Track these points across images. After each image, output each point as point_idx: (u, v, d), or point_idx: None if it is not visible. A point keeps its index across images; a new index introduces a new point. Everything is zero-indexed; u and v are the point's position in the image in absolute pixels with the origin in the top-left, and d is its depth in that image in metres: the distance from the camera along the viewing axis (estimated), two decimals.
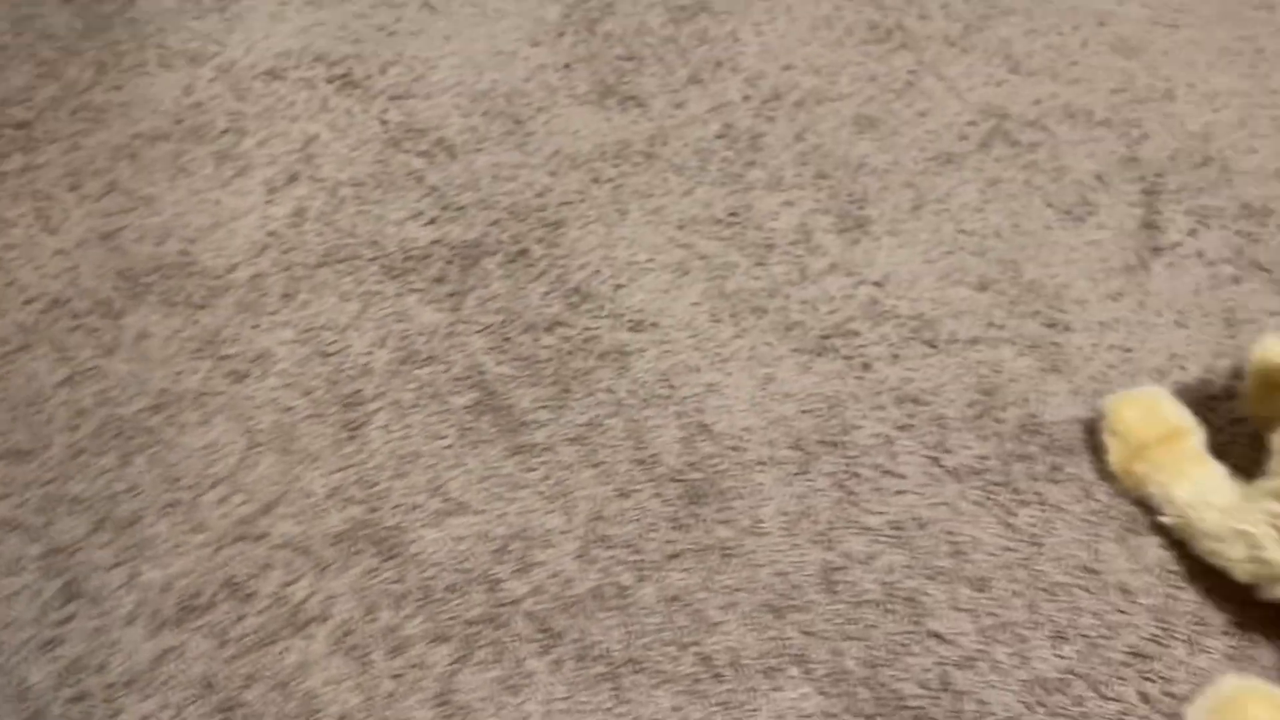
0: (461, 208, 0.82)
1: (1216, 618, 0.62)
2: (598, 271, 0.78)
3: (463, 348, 0.74)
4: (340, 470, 0.69)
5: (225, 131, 0.88)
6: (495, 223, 0.81)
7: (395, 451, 0.69)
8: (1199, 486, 0.61)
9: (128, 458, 0.69)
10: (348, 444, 0.70)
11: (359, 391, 0.72)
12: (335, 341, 0.75)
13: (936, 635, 0.62)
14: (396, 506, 0.67)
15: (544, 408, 0.71)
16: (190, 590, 0.64)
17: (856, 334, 0.75)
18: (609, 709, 0.59)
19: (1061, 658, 0.61)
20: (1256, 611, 0.62)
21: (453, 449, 0.70)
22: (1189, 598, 0.63)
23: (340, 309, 0.76)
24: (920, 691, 0.60)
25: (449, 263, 0.79)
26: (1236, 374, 0.72)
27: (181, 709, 0.60)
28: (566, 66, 0.92)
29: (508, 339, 0.75)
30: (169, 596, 0.64)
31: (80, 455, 0.70)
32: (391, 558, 0.65)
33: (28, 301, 0.77)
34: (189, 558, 0.65)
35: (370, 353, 0.74)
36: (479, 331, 0.75)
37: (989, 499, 0.67)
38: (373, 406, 0.71)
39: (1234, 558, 0.59)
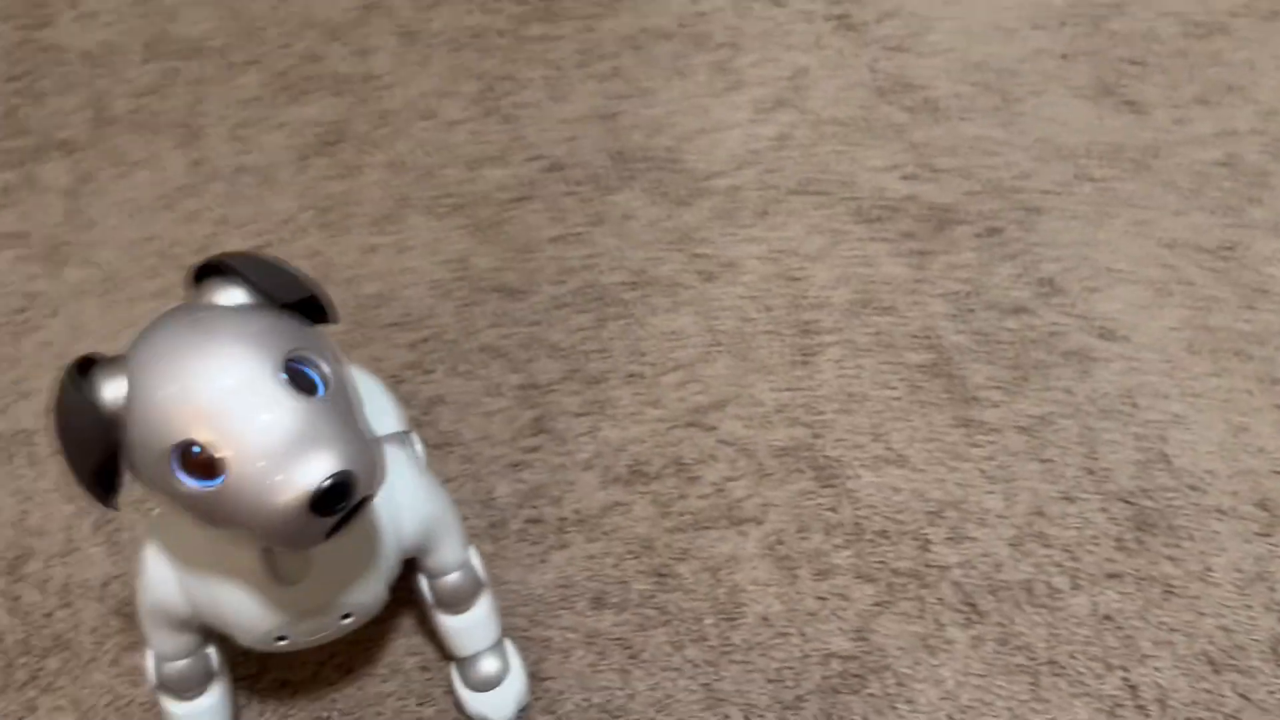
0: (940, 171, 0.82)
1: None
2: (1071, 268, 0.76)
3: (922, 307, 0.74)
4: (789, 390, 0.71)
5: (723, 45, 0.91)
6: (971, 194, 0.80)
7: (844, 388, 0.71)
8: None
9: (602, 322, 0.74)
10: (799, 368, 0.71)
11: (816, 321, 0.74)
12: (800, 268, 0.76)
13: None
14: (839, 440, 0.68)
15: (998, 388, 0.71)
16: (641, 457, 0.68)
17: None
18: (1024, 701, 0.59)
19: None
20: None
21: (900, 402, 0.70)
22: None
23: (808, 239, 0.78)
24: None
25: (921, 221, 0.79)
26: None
27: (621, 560, 0.64)
28: (1064, 56, 0.89)
29: (970, 311, 0.74)
30: (622, 457, 0.68)
31: (562, 308, 0.75)
32: (829, 486, 0.66)
33: (531, 159, 0.83)
34: (644, 428, 0.69)
35: (832, 288, 0.75)
36: (941, 295, 0.75)
37: None
38: (828, 339, 0.73)
39: None
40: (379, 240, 0.79)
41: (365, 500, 0.41)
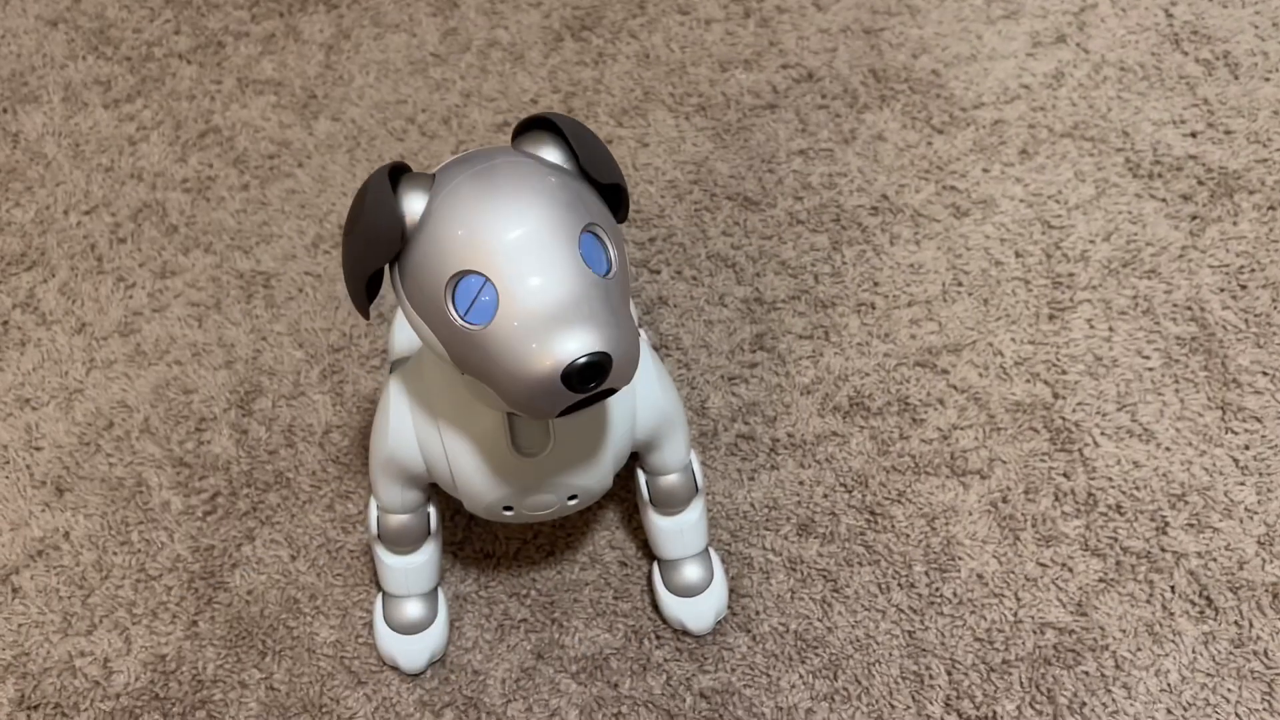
0: (1230, 132, 0.74)
1: None
2: None
3: (1190, 276, 0.68)
4: (1033, 343, 0.66)
5: None
6: (1263, 161, 0.73)
7: (1093, 350, 0.66)
8: None
9: (838, 245, 0.71)
10: (1047, 322, 0.67)
11: (1072, 276, 0.69)
12: (1060, 216, 0.71)
13: None
14: (1081, 404, 0.64)
15: (1264, 374, 0.64)
16: (864, 390, 0.65)
17: None
18: (1254, 710, 0.54)
19: None
20: None
21: (1154, 373, 0.65)
22: None
23: (1073, 186, 0.72)
24: None
25: (1200, 183, 0.72)
26: None
27: (832, 491, 0.62)
28: None
29: (1243, 287, 0.68)
30: (844, 387, 0.65)
31: (798, 225, 0.72)
32: (1064, 450, 0.62)
33: (785, 66, 0.79)
34: (870, 360, 0.66)
35: (1092, 242, 0.70)
36: (1213, 267, 0.69)
37: None
38: (1081, 295, 0.68)
39: None
40: (620, 133, 0.77)
41: (610, 391, 0.40)
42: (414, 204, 0.40)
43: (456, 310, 0.39)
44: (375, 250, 0.40)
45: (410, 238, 0.40)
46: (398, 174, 0.40)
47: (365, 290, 0.41)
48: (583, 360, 0.37)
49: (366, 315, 0.43)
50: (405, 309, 0.41)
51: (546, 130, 0.42)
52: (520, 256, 0.38)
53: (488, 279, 0.38)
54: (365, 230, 0.40)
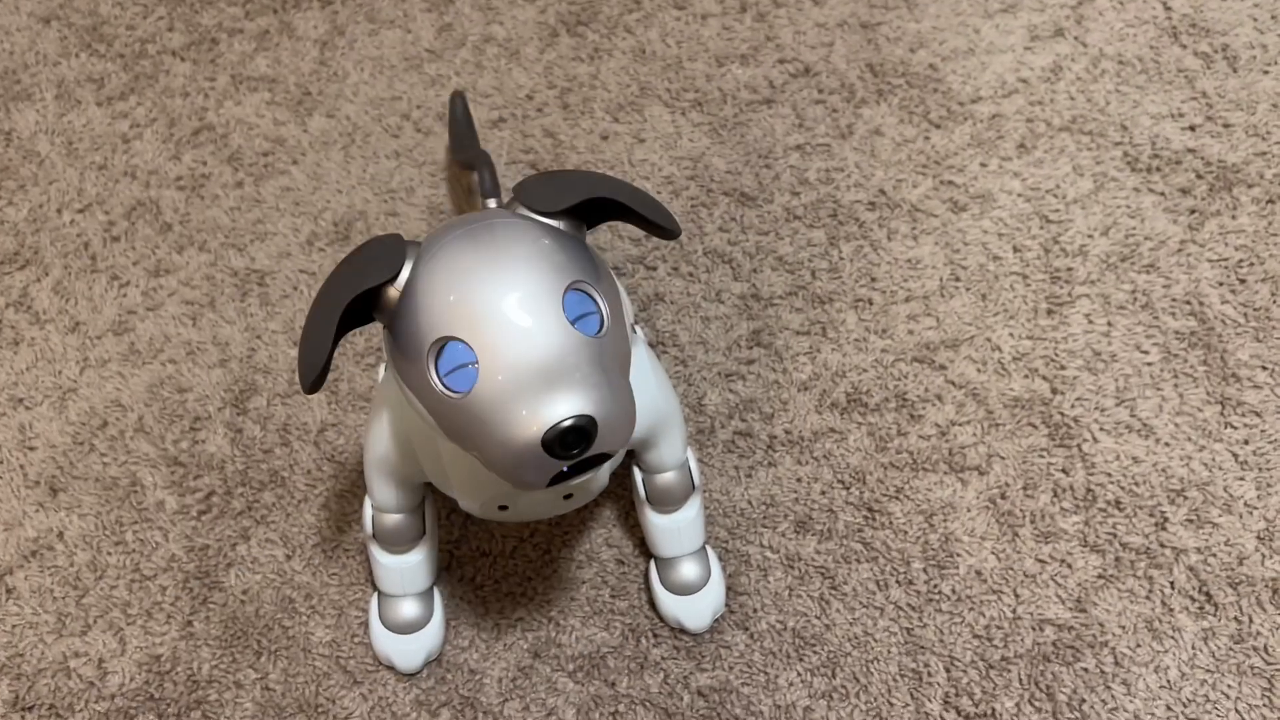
0: (1228, 125, 0.74)
1: None
2: None
3: (1189, 270, 0.68)
4: (1031, 339, 0.66)
5: None
6: (1262, 154, 0.73)
7: (1091, 345, 0.65)
8: None
9: (835, 241, 0.71)
10: (1045, 317, 0.67)
11: (1070, 270, 0.68)
12: (1059, 210, 0.71)
13: None
14: (1080, 399, 0.64)
15: (1264, 369, 0.64)
16: (862, 387, 0.65)
17: None
18: (1254, 706, 0.54)
19: None
20: None
21: (1152, 368, 0.64)
22: None
23: (1072, 181, 0.72)
24: None
25: (1199, 177, 0.72)
26: None
27: (830, 487, 0.62)
28: None
29: (1242, 281, 0.67)
30: (842, 383, 0.65)
31: (794, 220, 0.72)
32: (1062, 446, 0.62)
33: (782, 61, 0.79)
34: (868, 356, 0.66)
35: (1091, 236, 0.70)
36: (1212, 261, 0.68)
37: None
38: (1079, 290, 0.68)
39: None
40: (616, 128, 0.77)
41: (602, 458, 0.38)
42: (402, 270, 0.39)
43: (439, 378, 0.37)
44: (372, 267, 0.39)
45: (397, 305, 0.39)
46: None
47: (337, 323, 0.38)
48: (565, 424, 0.35)
49: (321, 365, 0.39)
50: (398, 383, 0.40)
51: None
52: (497, 319, 0.36)
53: (467, 344, 0.37)
54: (363, 253, 0.39)
